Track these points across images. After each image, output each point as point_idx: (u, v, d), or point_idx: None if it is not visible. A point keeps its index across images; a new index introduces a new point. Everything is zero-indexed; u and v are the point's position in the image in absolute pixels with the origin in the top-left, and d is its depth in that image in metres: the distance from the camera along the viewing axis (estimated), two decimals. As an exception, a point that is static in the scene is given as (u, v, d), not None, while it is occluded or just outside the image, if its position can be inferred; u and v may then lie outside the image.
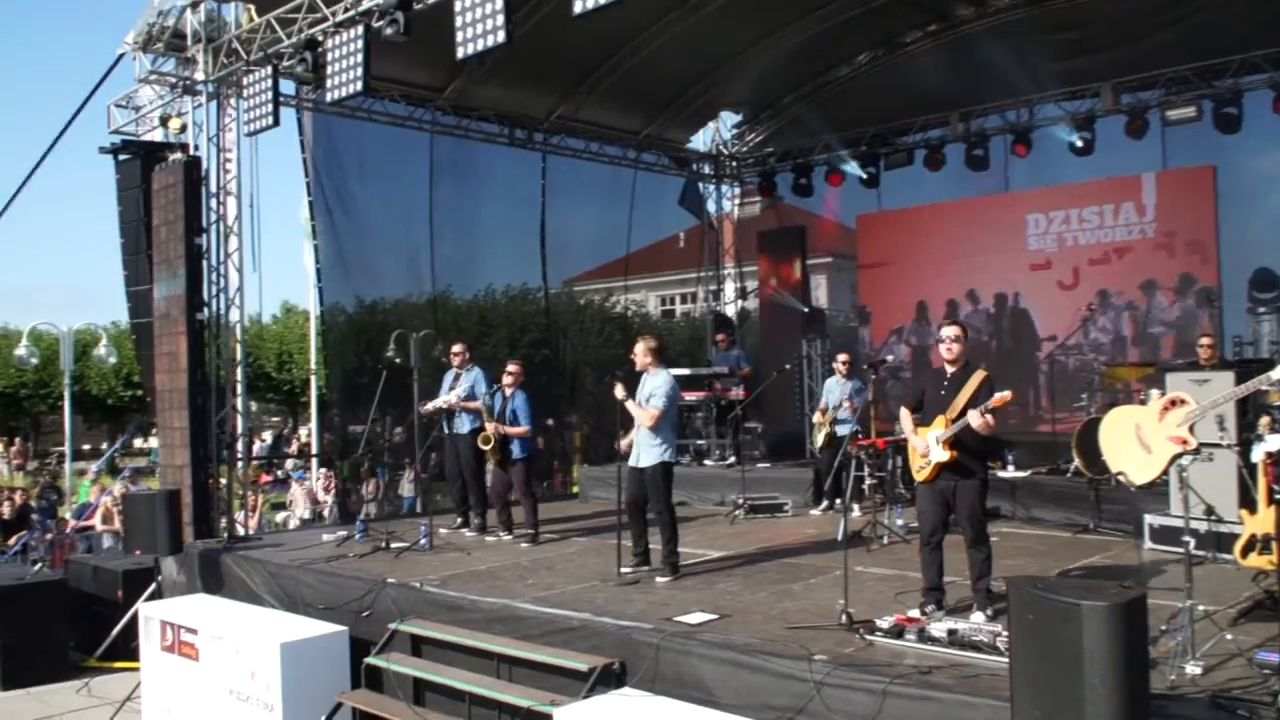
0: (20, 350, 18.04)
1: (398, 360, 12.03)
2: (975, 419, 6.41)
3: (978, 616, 6.30)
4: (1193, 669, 5.25)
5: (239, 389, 11.97)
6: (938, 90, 14.93)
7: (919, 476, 6.86)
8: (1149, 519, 8.82)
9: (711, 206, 18.59)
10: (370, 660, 7.72)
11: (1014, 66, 13.86)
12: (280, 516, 18.09)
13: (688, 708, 5.91)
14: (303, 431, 31.19)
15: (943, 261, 15.60)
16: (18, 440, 35.32)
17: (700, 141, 18.27)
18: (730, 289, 18.92)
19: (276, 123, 10.77)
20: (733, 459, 13.56)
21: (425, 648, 7.75)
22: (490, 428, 10.18)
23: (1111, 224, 14.13)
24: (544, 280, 17.25)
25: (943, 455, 6.60)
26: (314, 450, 20.75)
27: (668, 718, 5.82)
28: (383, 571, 8.80)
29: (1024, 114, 14.57)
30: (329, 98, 10.14)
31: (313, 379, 21.79)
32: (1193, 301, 13.18)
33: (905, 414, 7.06)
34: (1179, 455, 5.60)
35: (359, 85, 9.69)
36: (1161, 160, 13.75)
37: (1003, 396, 6.43)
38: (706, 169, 18.47)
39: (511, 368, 10.47)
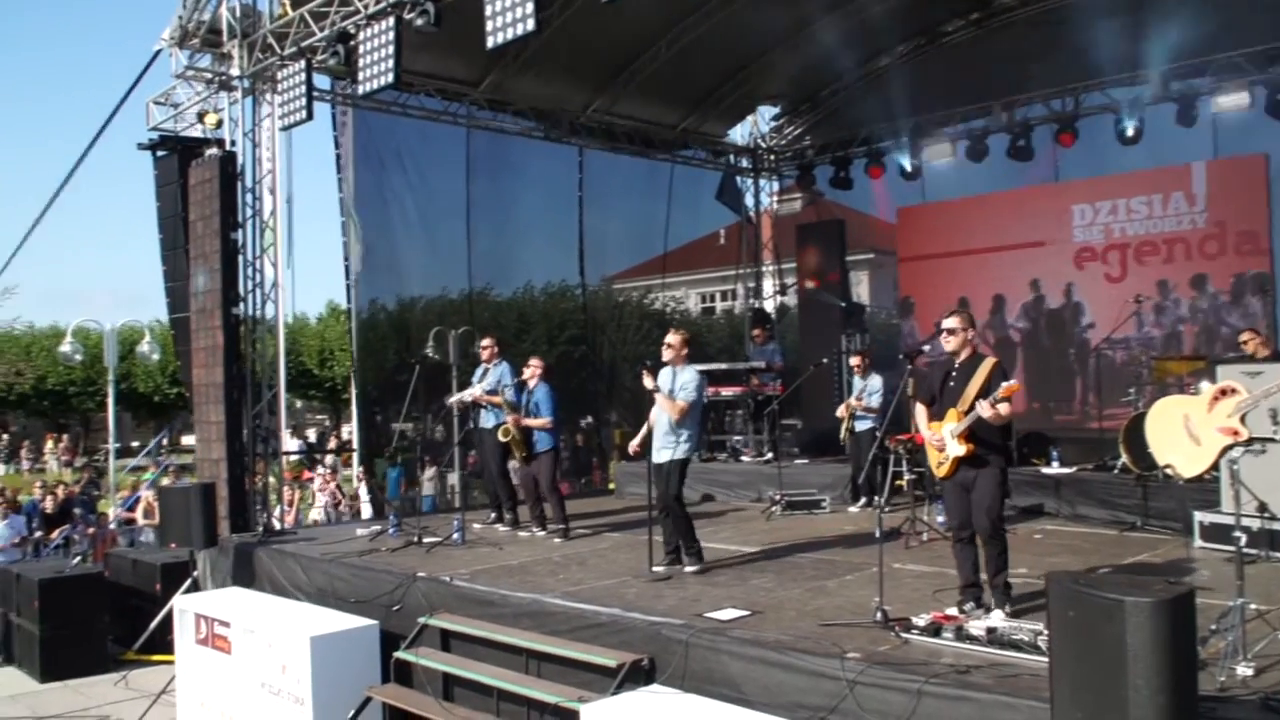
0: (65, 347, 18.17)
1: (436, 357, 11.99)
2: (985, 410, 6.21)
3: (996, 614, 6.05)
4: (1244, 670, 5.03)
5: (275, 383, 11.96)
6: (980, 79, 14.67)
7: (939, 473, 6.68)
8: (1199, 516, 8.54)
9: (749, 201, 18.39)
10: (399, 655, 7.65)
11: (1058, 54, 13.60)
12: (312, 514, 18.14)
13: (717, 705, 5.76)
14: (345, 429, 31.32)
15: (986, 254, 15.31)
16: (65, 437, 35.77)
17: (738, 135, 18.12)
18: (769, 285, 18.72)
19: (310, 116, 10.76)
20: (769, 455, 13.38)
21: (454, 642, 7.67)
22: (510, 419, 10.10)
23: (1160, 214, 13.79)
24: (581, 277, 17.17)
25: (959, 449, 6.41)
26: (355, 447, 20.78)
27: (696, 716, 5.67)
28: (414, 566, 8.72)
29: (1069, 102, 14.25)
30: (360, 90, 10.11)
31: (353, 376, 21.84)
32: (1246, 292, 12.82)
33: (920, 410, 6.86)
34: (1229, 447, 5.36)
35: (390, 77, 9.63)
36: (1212, 149, 13.39)
37: (1010, 386, 6.22)
38: (744, 163, 18.27)
39: (533, 362, 10.43)
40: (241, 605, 9.18)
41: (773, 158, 18.20)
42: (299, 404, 43.94)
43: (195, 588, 10.62)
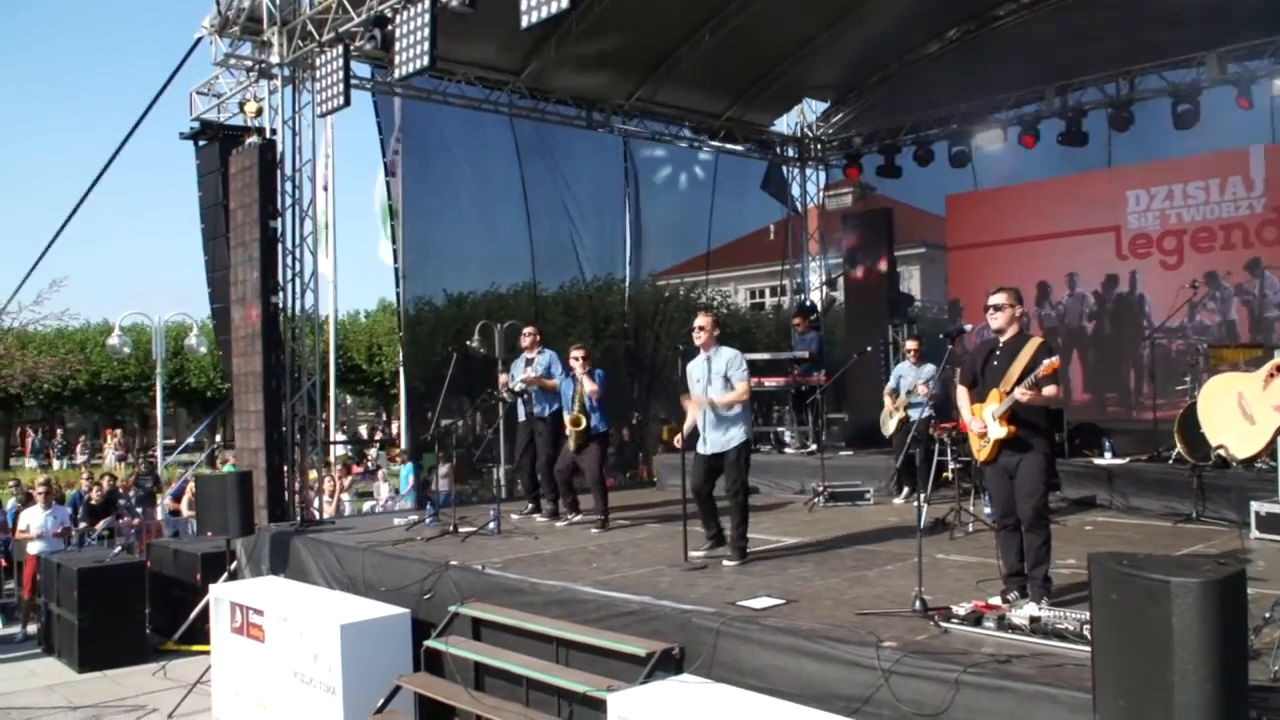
0: (113, 340, 18.37)
1: (482, 350, 11.90)
2: (1022, 394, 5.97)
3: (1031, 608, 5.73)
4: (1301, 661, 4.76)
5: (314, 373, 11.93)
6: (1031, 64, 14.32)
7: (980, 456, 6.42)
8: (1256, 506, 8.23)
9: (795, 191, 18.13)
10: (429, 643, 7.53)
11: (1112, 37, 13.25)
12: (366, 505, 18.14)
13: (747, 695, 5.57)
14: (394, 425, 31.47)
15: (1037, 242, 14.96)
16: (119, 432, 36.26)
17: (784, 125, 17.85)
18: (815, 276, 18.44)
19: (347, 102, 10.71)
20: (813, 446, 13.14)
21: (485, 631, 7.54)
22: (588, 385, 9.86)
23: (1217, 200, 13.37)
24: (628, 269, 16.98)
25: (1000, 432, 6.15)
26: (403, 444, 20.82)
27: (725, 705, 5.48)
28: (448, 555, 8.61)
29: (1124, 86, 13.86)
30: (396, 74, 10.04)
31: (401, 371, 21.89)
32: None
33: (962, 392, 6.60)
34: (1287, 425, 5.09)
35: (426, 60, 9.53)
36: (1270, 132, 12.95)
37: (1051, 363, 5.95)
38: (790, 152, 18.01)
39: (576, 353, 10.16)
40: (276, 594, 9.13)
41: (819, 147, 17.92)
42: (349, 400, 44.25)
43: (234, 577, 10.61)
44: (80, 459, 34.39)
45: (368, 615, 8.04)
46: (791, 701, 5.42)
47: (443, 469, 11.70)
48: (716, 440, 8.03)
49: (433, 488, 12.05)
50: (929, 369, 11.05)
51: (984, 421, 6.27)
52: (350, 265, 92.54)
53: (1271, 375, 5.21)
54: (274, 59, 11.54)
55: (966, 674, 4.83)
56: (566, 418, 10.07)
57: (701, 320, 8.18)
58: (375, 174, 16.98)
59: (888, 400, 11.49)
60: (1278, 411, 5.11)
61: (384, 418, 38.90)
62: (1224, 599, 3.45)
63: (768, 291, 26.92)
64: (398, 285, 13.97)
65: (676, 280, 18.70)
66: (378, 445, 24.57)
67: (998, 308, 6.38)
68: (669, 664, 6.10)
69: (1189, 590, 3.43)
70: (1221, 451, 5.52)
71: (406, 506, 13.81)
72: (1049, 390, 6.05)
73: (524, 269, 15.72)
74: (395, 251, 13.86)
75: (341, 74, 10.60)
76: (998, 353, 6.38)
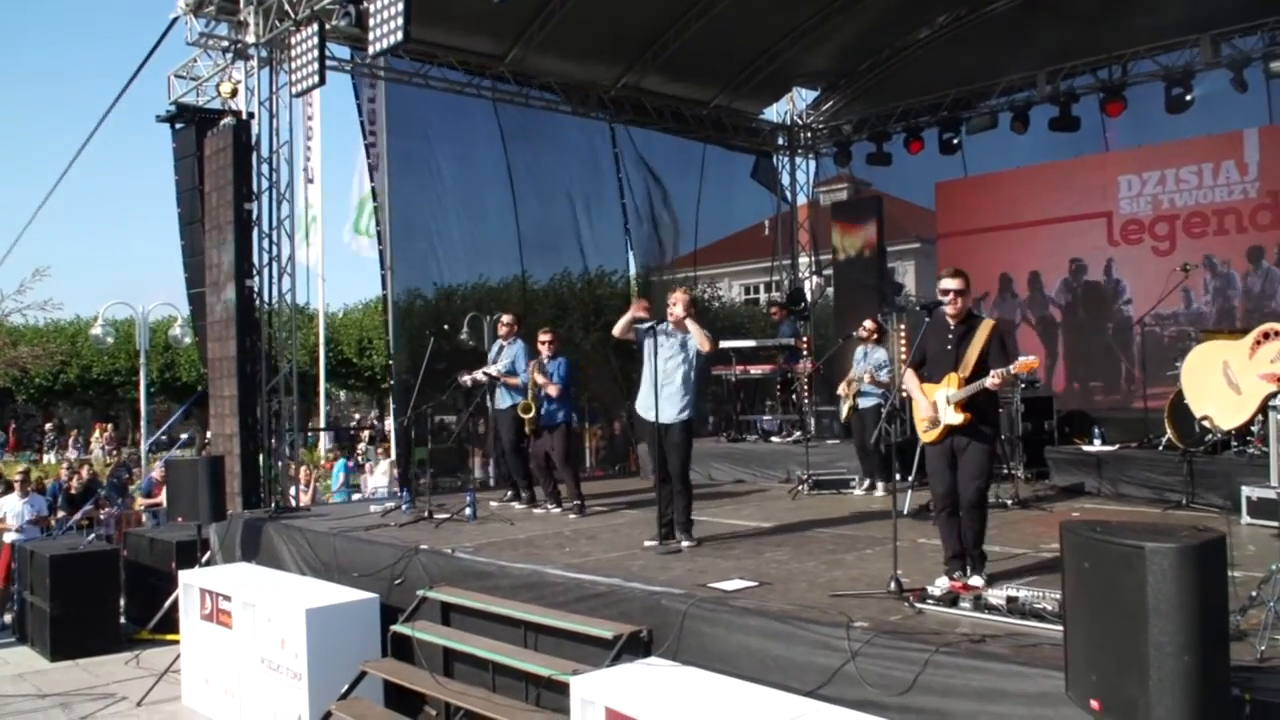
0: (96, 330, 18.14)
1: (471, 343, 11.69)
2: (994, 380, 5.85)
3: (976, 580, 5.68)
4: (1288, 641, 4.57)
5: (292, 359, 11.73)
6: (1023, 49, 14.13)
7: (925, 438, 6.25)
8: (1246, 491, 7.98)
9: (785, 180, 17.93)
10: (396, 628, 7.35)
11: (1104, 21, 13.06)
12: (355, 498, 17.92)
13: (712, 677, 5.37)
14: (386, 421, 31.15)
15: (1028, 229, 14.77)
16: (109, 426, 36.00)
17: (774, 114, 17.65)
18: (804, 266, 18.23)
19: (322, 81, 10.50)
20: (797, 434, 12.94)
21: (454, 616, 7.35)
22: (538, 377, 9.72)
23: (1210, 184, 13.16)
24: (628, 259, 16.72)
25: (955, 418, 6.01)
26: (391, 436, 20.59)
27: (688, 687, 5.29)
28: (420, 540, 8.42)
29: (1116, 70, 13.67)
30: (371, 50, 9.81)
31: (392, 365, 21.61)
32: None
33: (909, 374, 6.42)
34: (1273, 395, 4.87)
35: (399, 35, 9.33)
36: (1267, 114, 12.75)
37: (1027, 362, 5.87)
38: (780, 141, 17.80)
39: (544, 336, 10.01)
40: (244, 580, 8.93)
41: (809, 136, 17.70)
42: (342, 395, 44.00)
43: (209, 564, 10.40)
44: (71, 454, 34.17)
45: (334, 600, 7.85)
46: (761, 684, 5.23)
47: (381, 464, 11.59)
48: (666, 407, 7.82)
49: (421, 479, 11.91)
50: (881, 354, 10.57)
51: (935, 404, 6.12)
52: (341, 259, 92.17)
53: (1258, 342, 5.01)
54: (250, 39, 11.32)
55: (938, 654, 4.64)
56: (519, 405, 9.93)
57: (678, 296, 7.87)
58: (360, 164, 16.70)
59: (842, 387, 11.08)
60: (1265, 381, 4.90)
61: (376, 411, 38.62)
62: (1202, 565, 3.24)
63: (761, 287, 26.76)
64: (383, 269, 13.73)
65: (669, 276, 18.47)
66: (367, 440, 24.28)
67: (958, 292, 6.20)
68: (637, 646, 5.91)
69: (1164, 556, 3.23)
70: (1206, 423, 5.32)
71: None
72: (994, 380, 5.92)
73: (512, 259, 15.48)
74: (379, 234, 13.60)
75: (316, 51, 10.38)
76: (950, 335, 6.22)
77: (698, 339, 7.79)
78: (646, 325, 7.94)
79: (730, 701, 5.02)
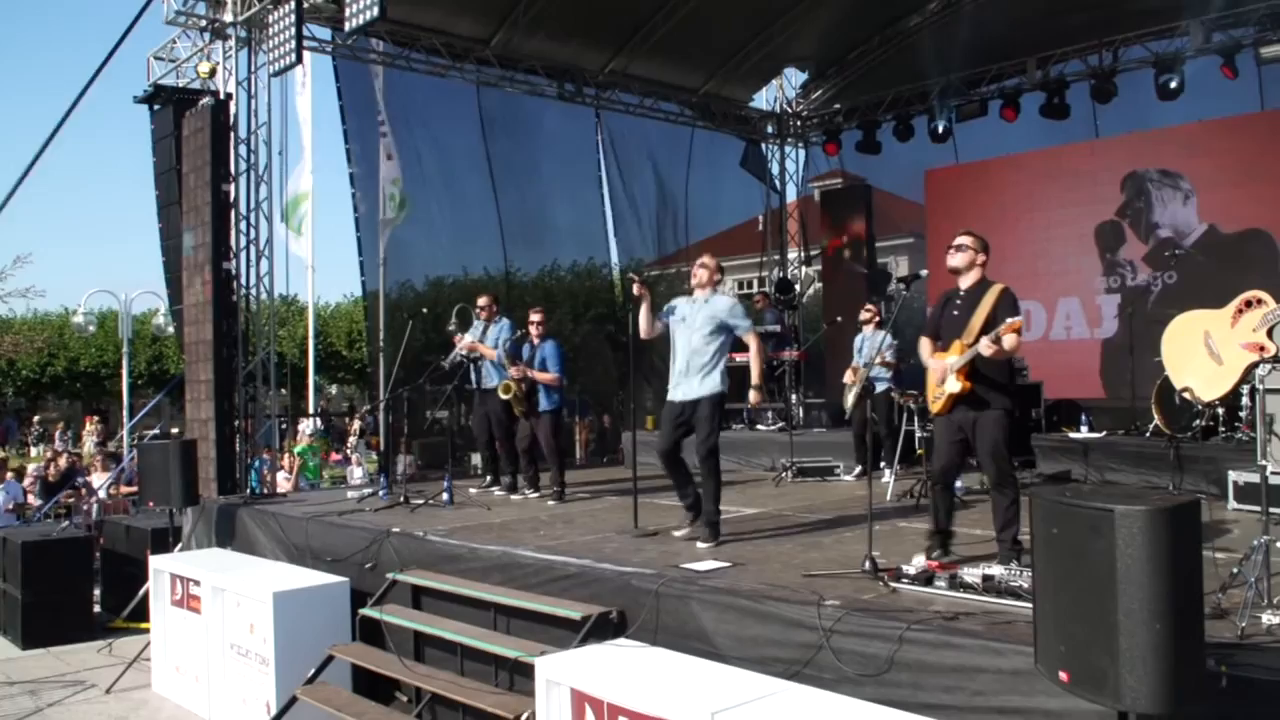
0: (77, 319, 17.96)
1: (460, 334, 11.53)
2: (985, 347, 5.67)
3: (998, 570, 5.30)
4: (1270, 618, 4.42)
5: (270, 344, 11.57)
6: (1014, 36, 13.99)
7: (933, 408, 6.10)
8: (1234, 476, 7.87)
9: (775, 169, 17.77)
10: (365, 612, 7.18)
11: (1095, 7, 12.92)
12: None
13: (680, 658, 5.23)
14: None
15: (1018, 217, 14.63)
16: (98, 419, 35.78)
17: (763, 101, 17.50)
18: (794, 260, 18.08)
19: (299, 60, 10.33)
20: (780, 423, 12.80)
21: (425, 599, 7.20)
22: (513, 372, 9.58)
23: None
24: (611, 251, 16.56)
25: (955, 386, 5.84)
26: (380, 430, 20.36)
27: (655, 667, 5.14)
28: (393, 524, 8.26)
29: (1107, 57, 13.54)
30: (347, 27, 9.66)
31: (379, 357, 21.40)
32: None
33: (924, 343, 6.28)
34: (1255, 364, 4.71)
35: (375, 11, 9.18)
36: (1259, 101, 12.61)
37: (1013, 322, 5.67)
38: (770, 129, 17.64)
39: (535, 316, 9.83)
40: (215, 564, 8.77)
41: (799, 123, 17.54)
42: (333, 390, 43.78)
43: (184, 550, 10.24)
44: (59, 446, 33.92)
45: (303, 584, 7.69)
46: (731, 664, 5.09)
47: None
48: (688, 387, 7.13)
49: (400, 470, 11.78)
50: (884, 337, 10.41)
51: (943, 372, 5.95)
52: (331, 251, 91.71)
53: (1240, 311, 4.85)
54: (228, 17, 11.15)
55: (910, 630, 4.50)
56: (498, 386, 9.76)
57: (705, 260, 7.38)
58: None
59: (849, 374, 10.93)
60: (1248, 350, 4.74)
61: (367, 405, 38.38)
62: (1174, 529, 3.09)
63: (755, 282, 26.61)
64: (360, 255, 13.56)
65: (659, 271, 18.31)
66: (356, 433, 24.05)
67: (959, 247, 6.06)
68: (607, 628, 5.77)
69: (1134, 519, 3.08)
70: (1187, 394, 5.16)
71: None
72: (1008, 343, 5.72)
73: (495, 250, 15.32)
74: (357, 220, 13.43)
75: (294, 29, 10.21)
76: (958, 301, 6.06)
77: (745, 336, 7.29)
78: (668, 306, 7.37)
79: (697, 681, 4.87)
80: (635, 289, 7.24)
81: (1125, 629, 3.09)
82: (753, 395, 7.31)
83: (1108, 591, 3.13)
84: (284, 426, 14.88)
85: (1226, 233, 12.94)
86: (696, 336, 7.11)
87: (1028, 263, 14.59)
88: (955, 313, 6.04)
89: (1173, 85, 12.74)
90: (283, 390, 13.65)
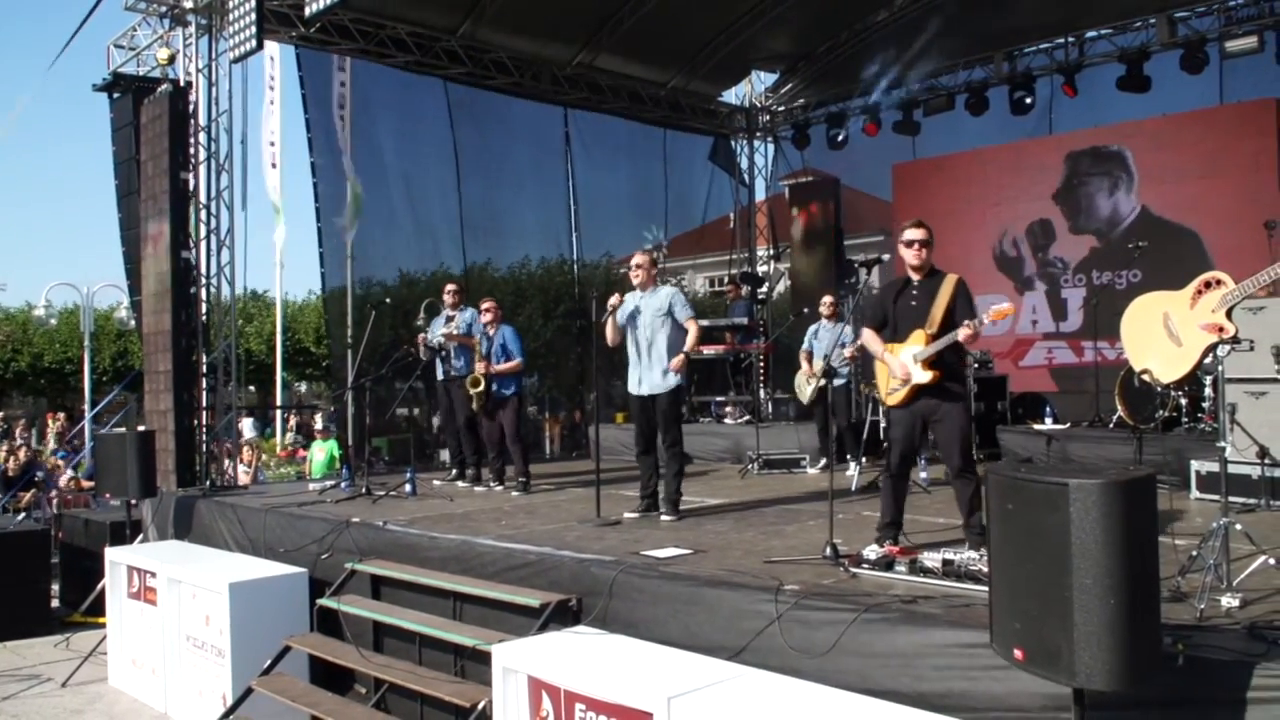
0: (39, 311, 17.71)
1: (427, 330, 11.42)
2: (966, 332, 5.58)
3: (969, 555, 5.31)
4: (1229, 601, 4.42)
5: (229, 335, 11.42)
6: (980, 31, 14.00)
7: (891, 400, 5.98)
8: (1195, 465, 7.93)
9: (744, 164, 17.73)
10: (322, 602, 7.09)
11: (1062, 3, 12.98)
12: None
13: (638, 645, 5.16)
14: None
15: (984, 209, 14.67)
16: (63, 416, 35.30)
17: (732, 96, 17.44)
18: (763, 256, 18.06)
19: (260, 46, 10.21)
20: (748, 415, 12.76)
21: (384, 589, 7.12)
22: (480, 367, 9.52)
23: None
24: (574, 247, 16.41)
25: (924, 376, 5.74)
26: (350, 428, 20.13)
27: (615, 655, 5.07)
28: (353, 514, 8.16)
29: (1073, 51, 13.59)
30: (307, 12, 9.53)
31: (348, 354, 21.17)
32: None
33: (869, 334, 6.18)
34: (1214, 345, 4.70)
35: (336, -4, 9.05)
36: (1219, 95, 12.69)
37: (1002, 309, 5.63)
38: (739, 123, 17.59)
39: (487, 304, 9.80)
40: (171, 556, 8.64)
41: (767, 119, 17.51)
42: (303, 388, 43.37)
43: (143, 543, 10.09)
44: (19, 443, 33.45)
45: (260, 574, 7.57)
46: (687, 650, 5.03)
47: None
48: (651, 381, 7.73)
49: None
50: (844, 329, 10.28)
51: (904, 364, 5.88)
52: (301, 246, 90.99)
53: (1199, 292, 4.83)
54: (188, 3, 10.98)
55: (866, 615, 4.45)
56: (468, 378, 9.73)
57: (638, 259, 7.88)
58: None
59: (804, 364, 10.81)
60: (1206, 331, 4.72)
61: (322, 396, 38.03)
62: (1129, 503, 3.06)
63: (725, 279, 26.57)
64: (321, 246, 13.36)
65: (627, 269, 18.19)
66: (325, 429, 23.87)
67: (922, 244, 5.97)
68: (565, 615, 5.71)
69: (1089, 492, 3.04)
70: (1146, 376, 5.14)
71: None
72: (966, 332, 5.66)
73: (463, 246, 15.15)
74: (318, 210, 13.23)
75: (254, 16, 10.07)
76: (914, 290, 5.98)
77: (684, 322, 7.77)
78: (621, 307, 7.82)
79: (655, 667, 4.81)
80: (612, 300, 7.76)
81: (1080, 605, 3.06)
82: (674, 360, 7.67)
83: (1062, 567, 3.09)
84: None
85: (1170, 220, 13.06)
86: (648, 329, 7.77)
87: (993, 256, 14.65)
88: (913, 303, 5.93)
89: (1135, 79, 12.78)
90: (250, 388, 13.50)
